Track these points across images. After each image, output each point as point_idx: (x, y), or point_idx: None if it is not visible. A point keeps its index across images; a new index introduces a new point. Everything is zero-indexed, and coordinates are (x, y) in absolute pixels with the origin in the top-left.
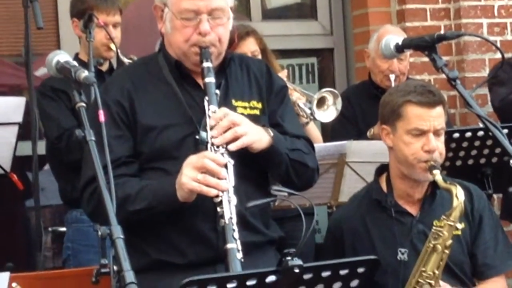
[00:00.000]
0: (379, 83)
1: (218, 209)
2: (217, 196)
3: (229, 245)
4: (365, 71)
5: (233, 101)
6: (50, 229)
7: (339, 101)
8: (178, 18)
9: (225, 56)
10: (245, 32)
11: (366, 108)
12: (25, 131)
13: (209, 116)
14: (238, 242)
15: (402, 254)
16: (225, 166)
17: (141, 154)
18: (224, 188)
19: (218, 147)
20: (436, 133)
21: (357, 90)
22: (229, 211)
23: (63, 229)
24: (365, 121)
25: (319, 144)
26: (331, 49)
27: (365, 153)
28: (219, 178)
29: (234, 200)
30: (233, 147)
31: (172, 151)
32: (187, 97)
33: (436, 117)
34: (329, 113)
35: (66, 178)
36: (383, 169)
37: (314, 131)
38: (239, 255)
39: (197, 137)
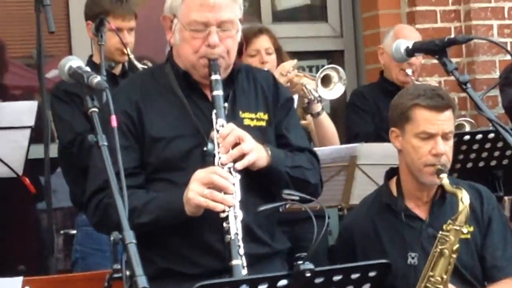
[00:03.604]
0: (394, 79)
1: (224, 224)
2: (223, 211)
3: (234, 262)
4: (375, 73)
5: (240, 112)
6: (61, 231)
7: (343, 74)
8: (187, 29)
9: (233, 68)
10: (259, 29)
11: (382, 105)
12: (37, 134)
13: (217, 130)
14: (244, 258)
15: (412, 258)
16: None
17: (148, 165)
18: (231, 204)
19: (225, 162)
20: (445, 136)
21: (370, 89)
22: (235, 226)
23: (74, 231)
24: (381, 118)
25: (330, 147)
26: (341, 51)
27: (376, 155)
28: (226, 193)
29: (240, 215)
30: (239, 165)
31: (179, 162)
32: (195, 108)
33: (444, 120)
34: (336, 90)
35: (77, 181)
36: (393, 172)
37: (327, 122)
38: (244, 271)
39: (204, 149)
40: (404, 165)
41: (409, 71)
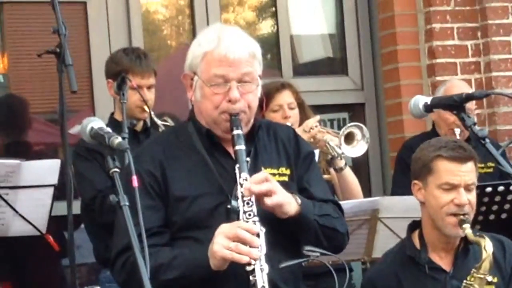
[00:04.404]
0: (443, 136)
1: (251, 277)
2: (249, 264)
3: None
4: (396, 125)
5: (263, 168)
6: (85, 287)
7: (367, 132)
8: (207, 85)
9: (254, 124)
10: (281, 84)
11: None
12: (60, 191)
13: (241, 184)
14: None
15: None
16: (257, 234)
17: (172, 224)
18: (256, 257)
19: (250, 215)
20: (467, 188)
21: (421, 142)
22: (261, 279)
23: (98, 287)
24: None
25: (352, 201)
26: (362, 104)
27: (397, 208)
28: (251, 247)
29: (266, 268)
30: (269, 201)
31: (203, 221)
32: (218, 166)
33: (467, 172)
34: (359, 148)
35: (100, 237)
36: (415, 225)
37: (351, 177)
38: None
39: (228, 206)
40: (427, 217)
41: (457, 131)
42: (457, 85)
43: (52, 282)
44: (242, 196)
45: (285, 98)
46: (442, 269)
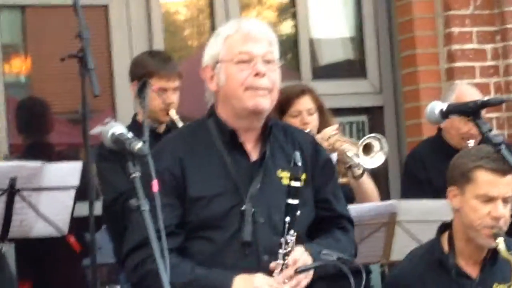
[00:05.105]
0: (455, 145)
1: None
2: None
3: None
4: (415, 129)
5: (279, 171)
6: (106, 286)
7: (385, 144)
8: (233, 62)
9: (266, 123)
10: (301, 90)
11: (442, 167)
12: (82, 191)
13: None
14: None
15: None
16: None
17: (187, 223)
18: None
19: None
20: (505, 200)
21: (431, 149)
22: None
23: (118, 287)
24: (441, 180)
25: (369, 204)
26: (381, 107)
27: (415, 212)
28: None
29: None
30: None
31: (218, 221)
32: (235, 166)
33: (506, 184)
34: (377, 159)
35: (121, 239)
36: (445, 227)
37: (368, 184)
38: None
39: (242, 208)
40: (459, 223)
41: (470, 142)
42: (467, 91)
43: (73, 282)
44: (284, 257)
45: (305, 104)
46: (469, 276)
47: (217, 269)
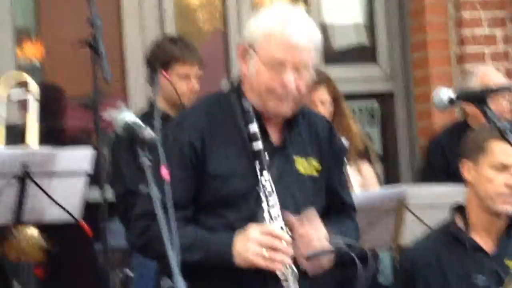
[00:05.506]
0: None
1: (284, 284)
2: (281, 272)
3: None
4: (425, 114)
5: (294, 157)
6: (118, 270)
7: None
8: (264, 65)
9: (296, 111)
10: (317, 82)
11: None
12: (94, 176)
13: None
14: None
15: None
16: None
17: (202, 198)
18: (290, 263)
19: (275, 218)
20: None
21: (452, 135)
22: (295, 285)
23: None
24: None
25: (379, 190)
26: (391, 92)
27: (424, 197)
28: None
29: (296, 274)
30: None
31: (235, 202)
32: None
33: None
34: None
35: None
36: (458, 209)
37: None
38: None
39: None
40: (473, 197)
41: None
42: (492, 75)
43: (85, 267)
44: (267, 199)
45: (320, 96)
46: (484, 251)
47: (219, 232)
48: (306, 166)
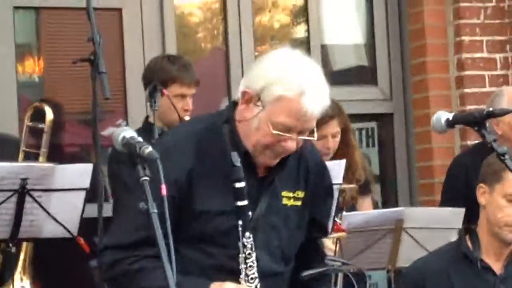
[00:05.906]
0: None
1: None
2: None
3: None
4: (424, 136)
5: (283, 192)
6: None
7: None
8: (270, 124)
9: None
10: (330, 116)
11: None
12: (91, 193)
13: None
14: None
15: None
16: None
17: (185, 232)
18: None
19: (252, 279)
20: None
21: (477, 155)
22: None
23: None
24: None
25: (377, 210)
26: (390, 114)
27: (422, 219)
28: None
29: None
30: None
31: (218, 239)
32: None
33: None
34: None
35: None
36: (467, 230)
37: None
38: None
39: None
40: (485, 220)
41: None
42: None
43: (82, 283)
44: (245, 260)
45: (331, 128)
46: (493, 271)
47: (193, 277)
48: (291, 198)
